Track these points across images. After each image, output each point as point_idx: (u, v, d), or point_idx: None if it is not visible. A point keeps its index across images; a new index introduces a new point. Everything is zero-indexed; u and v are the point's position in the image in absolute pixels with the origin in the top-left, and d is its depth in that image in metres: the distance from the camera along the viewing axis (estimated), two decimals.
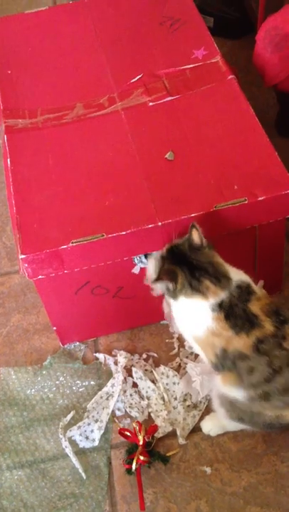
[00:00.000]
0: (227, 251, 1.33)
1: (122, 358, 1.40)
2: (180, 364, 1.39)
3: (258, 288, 1.14)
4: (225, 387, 1.14)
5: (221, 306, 1.09)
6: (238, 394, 1.13)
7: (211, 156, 1.32)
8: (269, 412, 1.12)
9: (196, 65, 1.50)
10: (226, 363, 1.11)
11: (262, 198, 1.23)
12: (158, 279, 1.12)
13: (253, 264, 1.41)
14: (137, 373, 1.37)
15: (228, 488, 1.23)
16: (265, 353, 1.06)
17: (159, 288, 1.15)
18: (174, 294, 1.13)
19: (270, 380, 1.07)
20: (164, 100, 1.44)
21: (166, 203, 1.25)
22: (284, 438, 1.27)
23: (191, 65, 1.50)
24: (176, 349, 1.42)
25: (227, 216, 1.25)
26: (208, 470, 1.25)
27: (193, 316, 1.13)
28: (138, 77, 1.50)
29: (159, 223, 1.21)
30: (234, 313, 1.09)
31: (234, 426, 1.24)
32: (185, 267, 1.11)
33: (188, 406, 1.32)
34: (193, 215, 1.22)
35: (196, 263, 1.11)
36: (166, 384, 1.35)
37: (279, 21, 1.50)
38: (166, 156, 1.33)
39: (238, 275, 1.13)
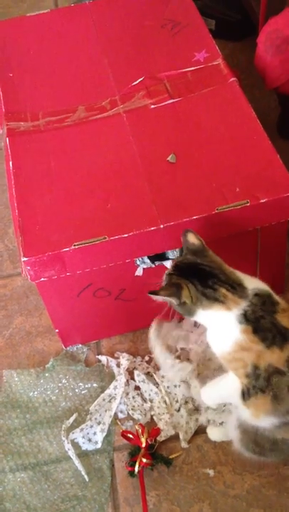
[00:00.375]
0: (229, 253, 1.33)
1: (125, 360, 1.40)
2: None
3: (277, 297, 1.07)
4: (256, 419, 1.06)
5: (246, 318, 1.02)
6: (267, 423, 1.06)
7: (212, 158, 1.32)
8: None
9: (198, 67, 1.51)
10: (258, 383, 1.01)
11: (264, 200, 1.23)
12: (156, 294, 1.06)
13: (255, 267, 1.41)
14: (140, 376, 1.37)
15: (231, 490, 1.23)
16: None
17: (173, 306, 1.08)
18: (188, 310, 1.06)
19: None
20: (166, 103, 1.44)
21: (168, 206, 1.25)
22: None
23: (193, 68, 1.51)
24: (179, 351, 1.42)
25: (229, 219, 1.25)
26: (211, 472, 1.25)
27: (219, 329, 1.06)
28: (140, 79, 1.50)
29: (161, 226, 1.22)
30: (262, 326, 1.01)
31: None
32: (195, 279, 1.05)
33: (190, 409, 1.32)
34: (195, 217, 1.22)
35: (209, 269, 1.06)
36: (168, 387, 1.35)
37: (280, 24, 1.50)
38: (168, 158, 1.33)
39: (252, 283, 1.06)
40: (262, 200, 1.23)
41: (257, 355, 1.01)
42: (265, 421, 1.05)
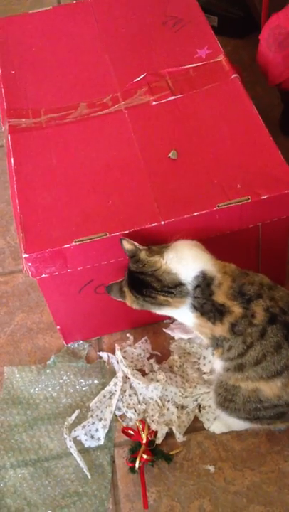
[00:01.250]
0: (230, 250, 1.33)
1: (120, 352, 1.39)
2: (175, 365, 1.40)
3: (212, 262, 1.14)
4: (215, 360, 1.20)
5: (195, 308, 1.13)
6: (218, 365, 1.19)
7: (214, 155, 1.32)
8: (244, 385, 1.14)
9: (200, 64, 1.50)
10: (217, 343, 1.16)
11: (265, 196, 1.23)
12: (109, 292, 1.23)
13: (256, 263, 1.40)
14: (139, 383, 1.35)
15: (231, 486, 1.23)
16: (239, 333, 1.11)
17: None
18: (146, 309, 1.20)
19: (244, 355, 1.12)
20: (168, 99, 1.44)
21: (169, 202, 1.25)
22: (288, 437, 1.27)
23: (195, 64, 1.50)
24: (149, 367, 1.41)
25: (230, 215, 1.25)
26: (211, 469, 1.25)
27: (180, 318, 1.20)
28: (141, 76, 1.50)
29: (162, 222, 1.22)
30: (205, 310, 1.13)
31: (238, 425, 1.25)
32: (133, 289, 1.18)
33: (179, 405, 1.32)
34: (196, 214, 1.22)
35: (141, 278, 1.15)
36: (158, 395, 1.34)
37: (282, 20, 1.50)
38: (170, 155, 1.33)
39: (192, 271, 1.13)
40: (263, 197, 1.23)
41: (210, 329, 1.15)
42: (216, 362, 1.20)
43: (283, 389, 1.11)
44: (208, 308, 1.12)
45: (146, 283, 1.15)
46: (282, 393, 1.11)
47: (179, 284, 1.13)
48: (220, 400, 1.19)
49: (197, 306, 1.13)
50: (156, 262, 1.15)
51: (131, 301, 1.20)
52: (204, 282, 1.12)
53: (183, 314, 1.16)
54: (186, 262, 1.14)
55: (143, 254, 1.16)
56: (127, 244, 1.18)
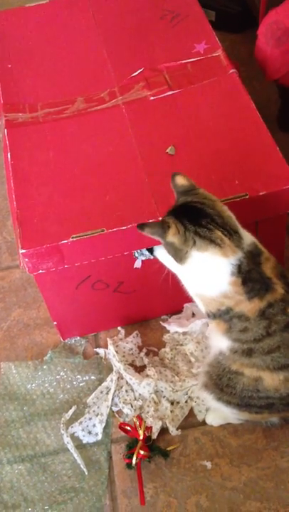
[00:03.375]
0: None
1: (112, 347, 1.39)
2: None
3: (261, 246, 1.09)
4: (214, 333, 1.13)
5: (240, 270, 1.03)
6: (223, 344, 1.11)
7: (212, 150, 1.31)
8: (247, 372, 1.10)
9: (198, 59, 1.50)
10: (224, 316, 1.07)
11: (263, 193, 1.22)
12: (142, 228, 1.05)
13: None
14: (131, 378, 1.35)
15: (228, 482, 1.23)
16: (268, 317, 1.04)
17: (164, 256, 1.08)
18: (179, 253, 1.03)
19: (259, 341, 1.06)
20: (165, 94, 1.44)
21: (166, 198, 1.24)
22: (284, 433, 1.27)
23: (193, 59, 1.50)
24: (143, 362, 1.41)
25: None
26: (208, 465, 1.25)
27: (208, 278, 1.05)
28: (139, 71, 1.49)
29: (160, 218, 1.21)
30: (251, 277, 1.03)
31: (235, 417, 1.24)
32: (185, 218, 1.03)
33: (172, 403, 1.32)
34: None
35: (201, 207, 1.03)
36: (150, 392, 1.34)
37: (280, 16, 1.49)
38: (167, 150, 1.32)
39: (246, 235, 1.06)
40: (261, 193, 1.22)
41: (236, 302, 1.04)
42: (219, 340, 1.11)
43: (284, 383, 1.09)
44: (256, 277, 1.03)
45: (207, 214, 1.02)
46: (281, 387, 1.10)
47: (238, 234, 1.03)
48: (209, 382, 1.15)
49: (244, 269, 1.02)
50: (217, 202, 1.05)
51: (174, 233, 1.02)
52: (255, 251, 1.05)
53: (218, 272, 1.03)
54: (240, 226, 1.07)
55: (202, 190, 1.07)
56: (183, 180, 1.07)
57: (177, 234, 1.03)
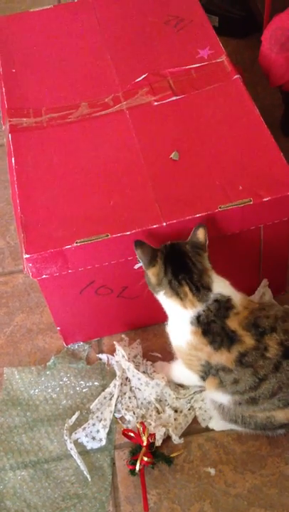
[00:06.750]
0: (232, 252, 1.33)
1: (121, 348, 1.39)
2: None
3: (240, 297, 1.14)
4: (210, 392, 1.18)
5: (198, 321, 1.11)
6: (223, 398, 1.17)
7: (216, 156, 1.31)
8: (259, 414, 1.14)
9: (202, 64, 1.50)
10: (210, 371, 1.14)
11: (267, 198, 1.22)
12: (137, 246, 1.14)
13: (257, 265, 1.40)
14: (135, 380, 1.35)
15: (232, 489, 1.22)
16: (249, 365, 1.09)
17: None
18: (152, 285, 1.15)
19: (256, 388, 1.10)
20: (169, 100, 1.44)
21: (170, 203, 1.24)
22: (288, 440, 1.26)
23: (197, 65, 1.50)
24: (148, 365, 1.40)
25: (232, 217, 1.24)
26: (212, 471, 1.25)
27: (174, 322, 1.16)
28: (143, 76, 1.49)
29: (164, 223, 1.21)
30: (211, 329, 1.10)
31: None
32: (171, 266, 1.12)
33: (176, 410, 1.31)
34: (197, 215, 1.22)
35: (189, 265, 1.12)
36: (157, 394, 1.33)
37: (285, 22, 1.50)
38: (171, 156, 1.32)
39: (219, 287, 1.13)
40: (265, 199, 1.22)
41: (207, 354, 1.12)
42: (217, 395, 1.17)
43: None
44: (216, 331, 1.10)
45: (190, 271, 1.12)
46: None
47: (208, 289, 1.12)
48: (226, 418, 1.20)
49: (203, 320, 1.11)
50: (206, 261, 1.14)
51: (156, 272, 1.14)
52: (225, 304, 1.12)
53: (179, 320, 1.13)
54: (222, 281, 1.14)
55: (206, 254, 1.15)
56: (203, 236, 1.14)
57: (156, 275, 1.14)
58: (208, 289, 1.12)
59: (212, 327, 1.10)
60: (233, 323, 1.10)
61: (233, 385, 1.12)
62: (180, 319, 1.14)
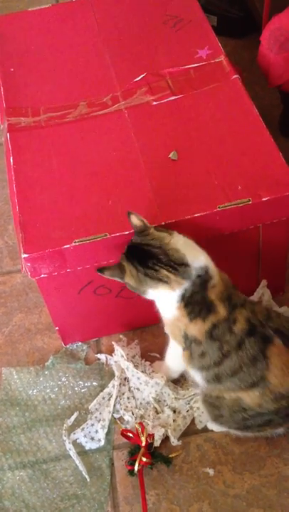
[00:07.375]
0: (230, 251, 1.33)
1: (120, 347, 1.38)
2: None
3: (216, 271, 1.15)
4: (187, 368, 1.21)
5: (183, 296, 1.12)
6: (197, 377, 1.19)
7: (214, 156, 1.31)
8: (226, 395, 1.15)
9: (200, 64, 1.50)
10: (186, 344, 1.17)
11: (266, 198, 1.22)
12: (102, 272, 1.17)
13: (256, 265, 1.40)
14: (134, 379, 1.35)
15: (230, 490, 1.22)
16: (217, 338, 1.11)
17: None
18: (138, 290, 1.16)
19: (219, 364, 1.12)
20: (168, 100, 1.43)
21: (169, 203, 1.24)
22: (287, 440, 1.26)
23: (195, 65, 1.50)
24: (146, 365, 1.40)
25: (231, 216, 1.24)
26: (211, 472, 1.24)
27: (164, 305, 1.17)
28: (141, 76, 1.49)
29: (163, 223, 1.21)
30: (193, 300, 1.12)
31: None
32: (137, 260, 1.14)
33: (174, 411, 1.31)
34: (196, 215, 1.21)
35: (148, 249, 1.12)
36: (156, 393, 1.33)
37: (283, 22, 1.49)
38: (170, 155, 1.32)
39: (198, 261, 1.13)
40: (264, 199, 1.22)
41: (184, 325, 1.14)
42: (192, 371, 1.20)
43: (262, 397, 1.12)
44: (198, 300, 1.12)
45: (153, 254, 1.12)
46: (261, 402, 1.12)
47: (185, 265, 1.11)
48: (211, 415, 1.22)
49: (187, 294, 1.12)
50: (165, 237, 1.14)
51: (130, 276, 1.15)
52: (204, 276, 1.12)
53: (168, 302, 1.15)
54: (194, 250, 1.14)
55: (152, 229, 1.15)
56: (136, 220, 1.15)
57: (132, 276, 1.15)
58: (184, 264, 1.12)
59: (194, 298, 1.12)
60: (211, 294, 1.12)
61: (200, 359, 1.14)
62: (169, 300, 1.15)
